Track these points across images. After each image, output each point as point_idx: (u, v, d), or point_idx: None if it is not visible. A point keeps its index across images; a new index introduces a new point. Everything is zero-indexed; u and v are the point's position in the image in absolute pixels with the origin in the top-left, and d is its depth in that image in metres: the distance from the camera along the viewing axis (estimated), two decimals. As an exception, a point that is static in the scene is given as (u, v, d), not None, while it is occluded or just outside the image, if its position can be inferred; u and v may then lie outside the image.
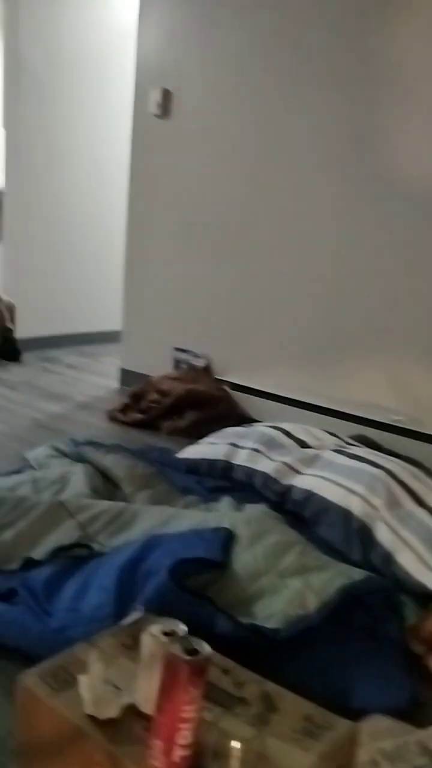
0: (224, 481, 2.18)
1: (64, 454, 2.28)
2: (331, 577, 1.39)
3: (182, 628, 1.00)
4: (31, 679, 1.02)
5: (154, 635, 0.97)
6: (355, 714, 1.06)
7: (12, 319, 4.14)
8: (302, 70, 2.81)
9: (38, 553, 1.60)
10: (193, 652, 0.86)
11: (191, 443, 2.53)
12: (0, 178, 4.42)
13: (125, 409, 3.13)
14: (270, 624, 1.25)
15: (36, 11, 3.91)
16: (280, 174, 2.95)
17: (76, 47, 4.13)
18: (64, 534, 1.66)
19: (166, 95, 3.27)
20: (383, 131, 2.64)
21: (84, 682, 0.97)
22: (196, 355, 3.35)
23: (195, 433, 2.77)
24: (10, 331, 4.12)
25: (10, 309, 4.13)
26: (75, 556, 1.59)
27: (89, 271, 4.56)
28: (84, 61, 4.19)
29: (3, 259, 4.32)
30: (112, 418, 3.09)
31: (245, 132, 3.03)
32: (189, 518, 1.69)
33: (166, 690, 0.87)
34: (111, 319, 4.35)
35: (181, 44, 3.20)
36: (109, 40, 4.24)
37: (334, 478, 1.94)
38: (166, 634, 0.98)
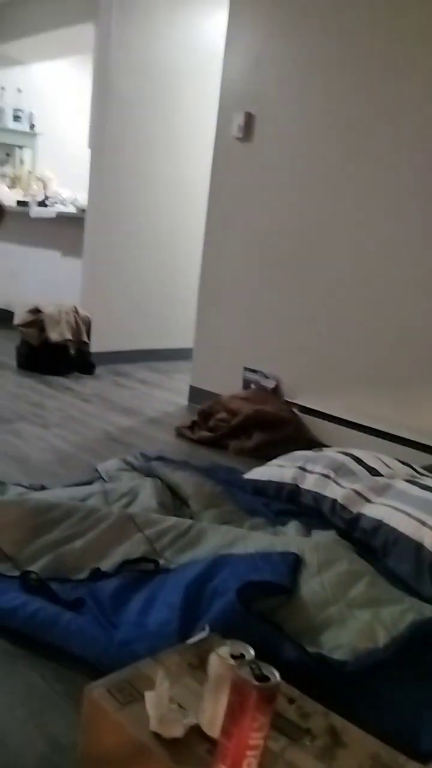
0: (291, 504, 2.15)
1: (134, 468, 2.31)
2: (402, 612, 1.35)
3: (250, 652, 0.99)
4: (97, 691, 1.03)
5: (222, 657, 0.96)
6: (423, 757, 1.02)
7: (88, 333, 4.24)
8: (387, 97, 2.79)
9: (106, 564, 1.63)
10: (262, 677, 0.85)
11: (258, 464, 2.51)
12: (83, 197, 4.57)
13: (193, 426, 3.15)
14: (337, 655, 1.23)
15: (126, 37, 4.05)
16: (358, 200, 2.93)
17: (162, 72, 4.24)
18: (131, 547, 1.68)
19: (249, 119, 3.31)
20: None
21: (150, 699, 0.97)
22: (265, 376, 3.35)
23: (262, 455, 2.76)
24: (85, 344, 4.23)
25: (87, 323, 4.24)
26: (142, 570, 1.61)
27: (164, 289, 4.63)
28: (170, 84, 4.30)
29: (82, 275, 4.45)
30: (181, 434, 3.11)
31: (326, 157, 3.03)
32: (256, 540, 1.68)
33: (234, 715, 0.86)
34: (183, 337, 4.41)
35: (266, 69, 3.25)
36: (194, 65, 4.34)
37: (406, 509, 1.88)
38: (234, 656, 0.97)
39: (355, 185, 2.95)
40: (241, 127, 3.32)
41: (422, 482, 2.06)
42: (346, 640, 1.26)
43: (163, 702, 0.96)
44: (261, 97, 3.28)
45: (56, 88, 6.21)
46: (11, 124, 5.94)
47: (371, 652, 1.23)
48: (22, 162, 6.08)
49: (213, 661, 0.97)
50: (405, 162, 2.77)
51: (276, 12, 3.18)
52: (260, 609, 1.34)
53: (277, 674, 0.86)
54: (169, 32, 4.21)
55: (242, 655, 0.98)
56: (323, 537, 1.78)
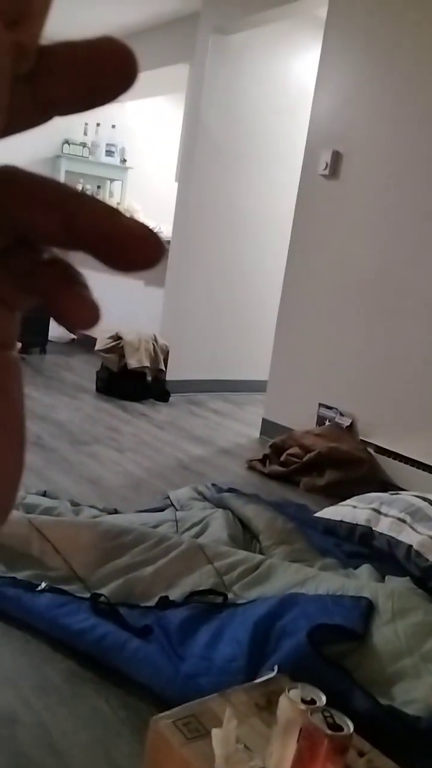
0: (364, 547, 2.10)
1: (205, 498, 2.32)
2: None
3: (322, 698, 0.96)
4: (164, 723, 1.02)
5: (292, 700, 0.94)
6: None
7: (165, 361, 4.32)
8: None
9: (174, 593, 1.63)
10: (335, 726, 0.83)
11: (329, 503, 2.47)
12: (167, 229, 4.69)
13: (265, 459, 3.13)
14: (410, 710, 1.17)
15: (219, 77, 4.17)
16: (447, 238, 2.89)
17: (252, 110, 4.34)
18: (200, 578, 1.67)
19: (336, 157, 3.33)
20: None
21: (217, 737, 0.96)
22: (341, 413, 3.30)
23: (333, 493, 2.71)
24: (162, 372, 4.30)
25: (165, 351, 4.32)
26: (209, 602, 1.60)
27: (242, 321, 4.67)
28: (258, 122, 4.39)
29: (163, 305, 4.54)
30: (252, 467, 3.10)
31: (410, 197, 3.01)
32: (327, 582, 1.64)
33: (303, 762, 0.83)
34: (258, 369, 4.42)
35: (355, 108, 3.27)
36: (284, 103, 4.41)
37: None
38: (305, 701, 0.95)
39: (442, 225, 2.90)
40: (328, 165, 3.34)
41: None
42: (421, 695, 1.20)
43: (230, 741, 0.95)
44: (349, 136, 3.29)
45: (147, 124, 6.44)
46: (104, 159, 6.18)
47: (447, 711, 1.17)
48: (111, 194, 6.30)
49: (283, 703, 0.95)
50: None
51: (367, 53, 3.21)
52: (330, 653, 1.30)
53: (350, 724, 0.84)
54: (261, 73, 4.31)
55: (313, 701, 0.96)
56: (398, 584, 1.72)
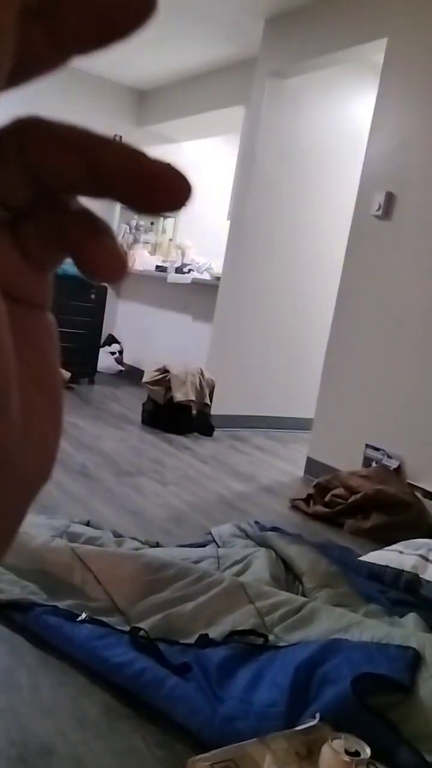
0: (410, 595, 2.04)
1: (248, 536, 2.29)
2: None
3: (367, 750, 0.93)
4: (201, 766, 1.00)
5: (336, 751, 0.91)
6: None
7: (210, 396, 4.33)
8: None
9: (214, 631, 1.60)
10: (382, 782, 0.79)
11: (374, 547, 2.41)
12: (217, 265, 4.75)
13: (309, 499, 3.08)
14: (459, 770, 1.12)
15: (274, 119, 4.25)
16: None
17: (305, 151, 4.40)
18: (241, 618, 1.65)
19: (390, 198, 3.34)
20: None
21: (256, 783, 0.93)
22: (388, 455, 3.24)
23: (379, 537, 2.65)
24: (207, 406, 4.31)
25: (210, 386, 4.34)
26: (249, 643, 1.56)
27: (288, 358, 4.67)
28: (312, 163, 4.44)
29: (211, 340, 4.58)
30: (295, 506, 3.06)
31: (468, 237, 2.98)
32: (372, 629, 1.59)
33: None
34: (303, 407, 4.39)
35: (410, 150, 3.28)
36: (338, 145, 4.46)
37: None
38: (348, 752, 0.91)
39: None
40: (381, 206, 3.35)
41: None
42: (470, 754, 1.15)
43: (270, 789, 0.92)
44: (403, 178, 3.30)
45: (202, 163, 6.59)
46: (158, 196, 6.34)
47: None
48: (164, 231, 6.44)
49: (326, 754, 0.92)
50: None
51: (424, 97, 3.23)
52: (374, 704, 1.26)
53: (397, 781, 0.80)
54: (315, 115, 4.38)
55: (357, 753, 0.92)
56: (446, 635, 1.66)
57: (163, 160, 0.17)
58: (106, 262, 0.18)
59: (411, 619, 1.78)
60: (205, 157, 6.59)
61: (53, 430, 0.19)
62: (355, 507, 2.92)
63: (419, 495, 3.01)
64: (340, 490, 3.04)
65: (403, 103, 3.35)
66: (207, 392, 4.31)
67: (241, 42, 4.63)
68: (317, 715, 1.15)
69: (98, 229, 0.18)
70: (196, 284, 5.02)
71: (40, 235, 0.18)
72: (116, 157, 0.17)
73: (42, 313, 0.19)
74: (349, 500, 2.94)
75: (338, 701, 1.18)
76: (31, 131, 0.17)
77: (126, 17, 0.16)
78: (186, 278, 5.07)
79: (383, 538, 2.58)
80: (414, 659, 1.40)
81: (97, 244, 0.18)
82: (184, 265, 5.40)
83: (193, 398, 4.21)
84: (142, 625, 1.60)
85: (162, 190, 0.17)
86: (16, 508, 0.18)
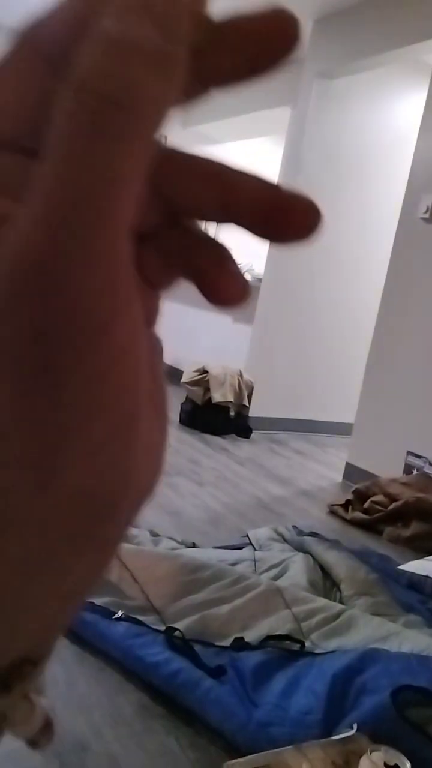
0: (450, 606, 1.99)
1: (285, 540, 2.27)
2: None
3: (407, 764, 0.90)
4: (236, 770, 0.98)
5: (375, 763, 0.89)
6: None
7: (249, 398, 4.31)
8: None
9: (250, 635, 1.59)
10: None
11: (413, 556, 2.37)
12: (259, 266, 4.73)
13: (347, 505, 3.04)
14: None
15: (320, 119, 4.22)
16: None
17: (351, 153, 4.35)
18: (277, 622, 1.63)
19: (438, 201, 3.28)
20: None
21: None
22: (430, 463, 3.18)
23: (418, 546, 2.60)
24: (245, 408, 4.29)
25: (249, 388, 4.32)
26: (286, 649, 1.55)
27: (330, 362, 4.62)
28: (358, 165, 4.39)
29: (250, 341, 4.56)
30: (333, 512, 3.02)
31: None
32: (411, 640, 1.56)
33: None
34: (342, 411, 4.34)
35: (460, 153, 3.21)
36: (385, 147, 4.40)
37: None
38: (388, 766, 0.89)
39: None
40: (429, 208, 3.29)
41: None
42: None
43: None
44: (452, 180, 3.24)
45: (247, 163, 6.56)
46: (201, 196, 6.36)
47: None
48: (206, 230, 6.45)
49: (365, 765, 0.90)
50: None
51: None
52: (414, 717, 1.23)
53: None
54: (362, 116, 4.33)
55: (396, 766, 0.90)
56: None
57: (295, 191, 0.18)
58: (231, 289, 0.19)
59: (452, 631, 1.74)
60: (249, 158, 6.58)
61: (162, 443, 0.19)
62: (395, 514, 2.87)
63: (461, 504, 2.94)
64: (379, 497, 2.99)
65: (453, 104, 3.29)
66: (245, 394, 4.29)
67: (288, 43, 4.60)
68: (355, 726, 1.12)
69: (222, 254, 0.19)
70: (237, 285, 5.00)
71: (162, 256, 0.19)
72: (251, 187, 0.17)
73: (152, 331, 0.20)
74: (389, 507, 2.90)
75: (377, 712, 1.16)
76: (164, 161, 0.17)
77: (273, 60, 0.17)
78: (227, 279, 5.06)
79: (423, 547, 2.53)
80: (454, 673, 1.37)
81: (222, 270, 0.19)
82: (225, 266, 5.39)
83: (232, 399, 4.20)
84: (177, 625, 1.60)
85: (296, 222, 0.18)
86: (129, 518, 0.18)
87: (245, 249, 4.65)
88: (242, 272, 0.19)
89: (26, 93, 0.16)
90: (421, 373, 3.31)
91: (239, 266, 0.19)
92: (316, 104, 4.19)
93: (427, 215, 3.30)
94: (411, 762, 0.98)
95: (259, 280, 4.65)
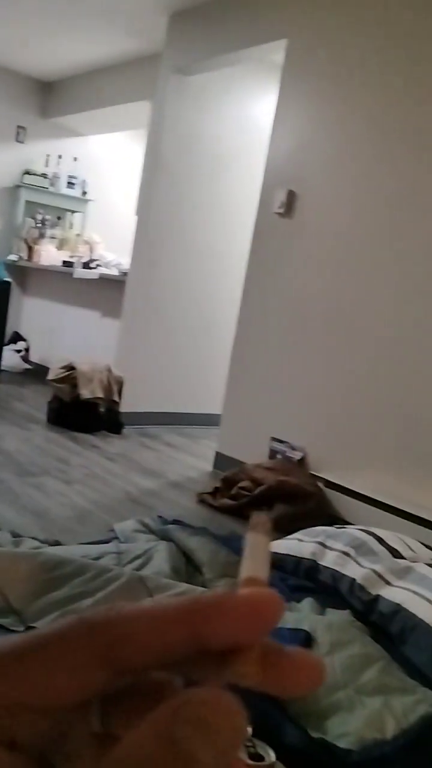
0: (309, 581, 2.09)
1: (151, 530, 2.29)
2: (414, 703, 1.28)
3: (248, 729, 0.94)
4: None
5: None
6: None
7: (119, 393, 4.29)
8: (425, 186, 2.86)
9: (112, 626, 1.59)
10: (257, 756, 0.81)
11: (278, 537, 2.46)
12: (127, 261, 4.71)
13: (216, 493, 3.12)
14: (342, 743, 1.16)
15: (179, 114, 4.26)
16: (393, 277, 2.97)
17: (211, 148, 4.43)
18: (140, 611, 1.64)
19: (291, 196, 3.42)
20: None
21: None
22: (292, 447, 3.32)
23: (282, 527, 2.70)
24: (115, 404, 4.27)
25: (119, 383, 4.30)
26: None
27: (197, 355, 4.69)
28: (217, 160, 4.48)
29: (119, 336, 4.54)
30: (202, 500, 3.08)
31: (364, 237, 3.09)
32: (267, 614, 1.62)
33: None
34: (213, 403, 4.42)
35: (310, 150, 3.37)
36: (242, 143, 4.52)
37: (427, 595, 1.81)
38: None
39: (391, 264, 2.98)
40: (283, 204, 3.42)
41: (445, 567, 1.99)
42: (353, 728, 1.19)
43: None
44: (303, 176, 3.39)
45: (109, 158, 6.52)
46: (64, 190, 6.21)
47: (378, 744, 1.16)
48: (71, 225, 6.32)
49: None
50: (441, 245, 2.81)
51: (323, 97, 3.32)
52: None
53: (272, 754, 0.82)
54: (220, 113, 4.42)
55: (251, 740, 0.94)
56: (337, 616, 1.71)
57: (297, 652, 0.21)
58: None
59: (307, 603, 1.83)
60: (112, 151, 6.53)
61: None
62: (260, 498, 2.97)
63: (321, 485, 3.09)
64: (245, 483, 3.08)
65: (302, 103, 3.43)
66: (115, 389, 4.27)
67: (146, 37, 4.61)
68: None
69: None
70: (104, 280, 4.96)
71: (121, 715, 0.21)
72: (228, 634, 0.20)
73: None
74: (254, 492, 3.00)
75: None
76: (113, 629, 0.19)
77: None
78: (93, 274, 5.01)
79: (286, 527, 2.63)
80: (305, 641, 1.44)
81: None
82: (92, 260, 5.32)
83: (101, 395, 4.16)
84: (38, 624, 1.57)
85: (296, 683, 0.20)
86: None
87: (111, 244, 4.61)
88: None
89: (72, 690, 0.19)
90: (281, 362, 3.44)
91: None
92: (174, 100, 4.23)
93: (281, 210, 3.44)
94: (261, 729, 1.02)
95: (125, 274, 4.64)
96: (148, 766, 0.17)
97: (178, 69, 4.20)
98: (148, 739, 0.17)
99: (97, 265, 5.24)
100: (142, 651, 0.19)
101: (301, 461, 3.26)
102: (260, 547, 0.22)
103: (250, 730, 0.95)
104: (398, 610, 1.81)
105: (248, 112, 4.52)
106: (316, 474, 3.16)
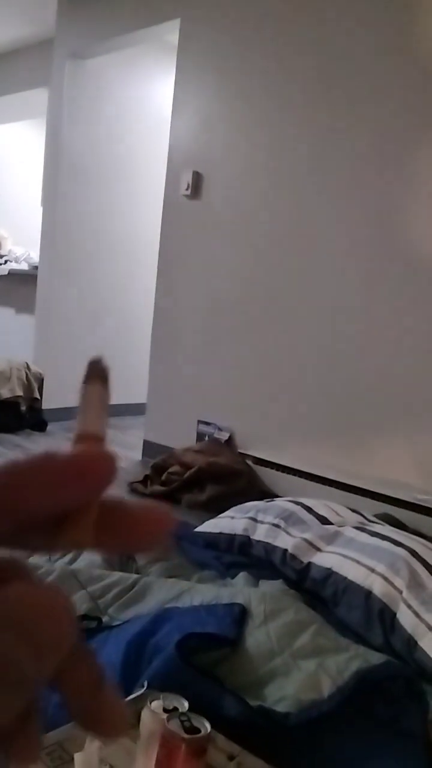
0: (243, 556, 2.11)
1: (81, 523, 2.25)
2: (348, 660, 1.31)
3: (184, 704, 0.95)
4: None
5: (153, 711, 0.92)
6: None
7: (40, 390, 4.19)
8: (328, 159, 2.91)
9: (46, 623, 1.56)
10: (192, 729, 0.81)
11: (211, 517, 2.47)
12: (35, 254, 4.59)
13: (146, 480, 3.10)
14: (280, 708, 1.18)
15: (77, 100, 4.17)
16: (303, 254, 3.02)
17: (113, 132, 4.36)
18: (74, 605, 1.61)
19: (197, 177, 3.41)
20: (407, 214, 2.70)
21: (79, 760, 0.92)
22: (219, 428, 3.34)
23: (215, 507, 2.71)
24: (37, 401, 4.17)
25: (39, 380, 4.20)
26: (84, 629, 1.54)
27: (118, 344, 4.63)
28: (120, 144, 4.41)
29: (35, 332, 4.42)
30: (133, 489, 3.06)
31: (271, 213, 3.13)
32: (202, 593, 1.63)
33: (163, 771, 0.81)
34: (137, 392, 4.39)
35: (212, 130, 3.36)
36: (145, 126, 4.47)
37: (355, 557, 1.87)
38: (167, 710, 0.93)
39: (299, 238, 3.03)
40: (189, 186, 3.41)
41: (371, 529, 2.05)
42: (291, 691, 1.22)
43: (93, 763, 0.91)
44: (208, 157, 3.38)
45: (10, 149, 6.31)
46: (-34, 185, 5.99)
47: (315, 704, 1.19)
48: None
49: (144, 715, 0.93)
50: (347, 213, 2.87)
51: (220, 75, 3.32)
52: (204, 663, 1.29)
53: (208, 726, 0.83)
54: (120, 96, 4.35)
55: (176, 709, 0.94)
56: (270, 587, 1.74)
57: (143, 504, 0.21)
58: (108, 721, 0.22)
59: (241, 578, 1.85)
60: (13, 142, 6.32)
61: None
62: (191, 482, 2.98)
63: (250, 462, 3.13)
64: (176, 468, 3.09)
65: (201, 82, 3.42)
66: (35, 386, 4.17)
67: (39, 21, 4.47)
68: (145, 683, 1.15)
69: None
70: (15, 275, 4.83)
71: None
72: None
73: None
74: (185, 476, 3.00)
75: (164, 666, 1.20)
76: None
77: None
78: (2, 270, 4.86)
79: (219, 507, 2.64)
80: (240, 614, 1.46)
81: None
82: (0, 256, 5.16)
83: (21, 394, 4.06)
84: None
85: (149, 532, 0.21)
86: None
87: (19, 238, 4.46)
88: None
89: None
90: (200, 345, 3.45)
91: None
92: (71, 85, 4.13)
93: (188, 192, 3.42)
94: (199, 704, 1.03)
95: (36, 267, 4.52)
96: None
97: (73, 53, 4.10)
98: None
99: (6, 261, 5.08)
100: None
101: (229, 441, 3.29)
102: (96, 398, 0.20)
103: (186, 704, 0.95)
104: (330, 574, 1.85)
105: (150, 94, 4.47)
106: (244, 452, 3.20)
